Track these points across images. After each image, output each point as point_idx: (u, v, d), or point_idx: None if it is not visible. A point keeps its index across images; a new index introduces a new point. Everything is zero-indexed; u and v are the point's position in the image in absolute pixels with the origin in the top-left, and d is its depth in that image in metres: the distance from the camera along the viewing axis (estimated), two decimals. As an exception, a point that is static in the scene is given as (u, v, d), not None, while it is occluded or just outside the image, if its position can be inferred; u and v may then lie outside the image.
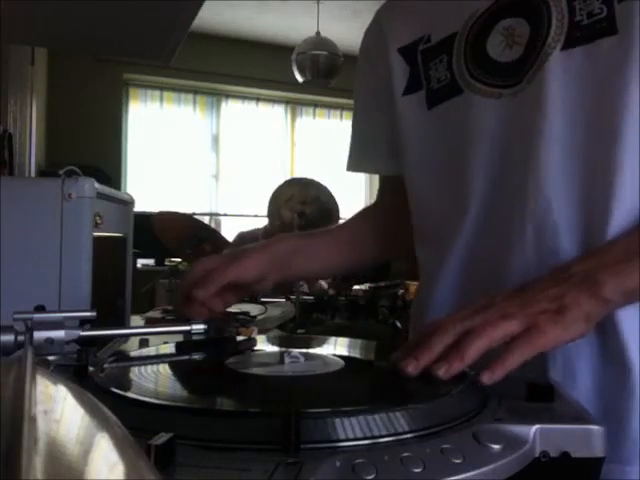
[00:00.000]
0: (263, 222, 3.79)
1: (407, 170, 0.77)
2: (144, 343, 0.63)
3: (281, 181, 2.47)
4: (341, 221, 2.46)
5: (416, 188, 0.76)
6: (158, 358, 0.57)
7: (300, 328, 1.61)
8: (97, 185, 0.94)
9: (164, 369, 0.53)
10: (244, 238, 3.39)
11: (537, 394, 0.44)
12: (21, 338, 0.50)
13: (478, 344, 0.47)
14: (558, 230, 0.60)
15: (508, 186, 0.64)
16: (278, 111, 5.77)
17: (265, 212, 3.19)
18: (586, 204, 0.59)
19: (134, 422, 0.29)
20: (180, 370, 0.54)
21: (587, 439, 0.39)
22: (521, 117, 0.63)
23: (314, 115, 5.90)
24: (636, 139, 0.57)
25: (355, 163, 0.88)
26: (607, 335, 0.58)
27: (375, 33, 0.83)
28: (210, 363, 0.58)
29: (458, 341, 0.48)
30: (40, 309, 0.53)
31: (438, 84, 0.70)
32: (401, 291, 2.48)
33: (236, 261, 0.72)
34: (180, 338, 0.64)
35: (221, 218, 5.46)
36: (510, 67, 0.64)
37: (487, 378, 0.46)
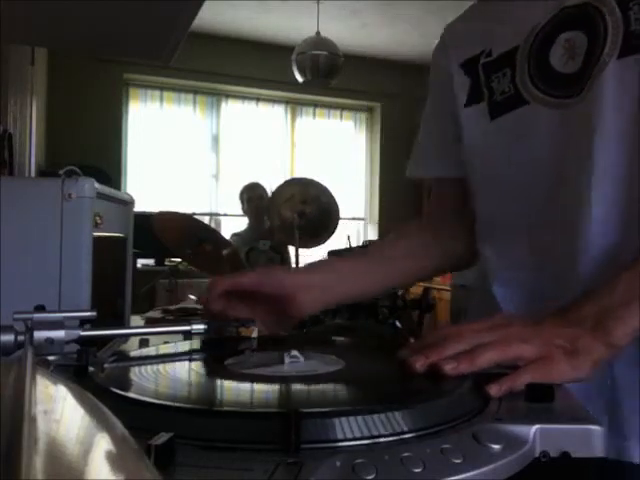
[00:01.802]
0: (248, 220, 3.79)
1: (472, 178, 0.81)
2: (144, 343, 0.63)
3: (281, 181, 2.46)
4: (341, 221, 2.47)
5: (480, 198, 0.80)
6: (158, 358, 0.57)
7: (300, 328, 1.61)
8: (97, 185, 0.94)
9: (164, 369, 0.53)
10: (240, 238, 3.39)
11: (537, 394, 0.44)
12: (21, 338, 0.50)
13: (491, 356, 0.49)
14: (620, 229, 0.63)
15: (569, 187, 0.67)
16: (278, 111, 5.77)
17: (264, 212, 3.18)
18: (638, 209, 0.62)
19: (134, 422, 0.29)
20: (180, 370, 0.54)
21: (587, 439, 0.39)
22: (582, 124, 0.66)
23: (314, 115, 5.90)
24: None
25: (417, 167, 0.93)
26: None
27: (441, 49, 0.87)
28: (210, 363, 0.58)
29: (472, 350, 0.49)
30: (40, 309, 0.53)
31: (501, 96, 0.74)
32: (401, 291, 2.48)
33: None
34: (180, 338, 0.64)
35: (221, 218, 5.46)
36: (572, 78, 0.67)
37: (494, 391, 0.47)
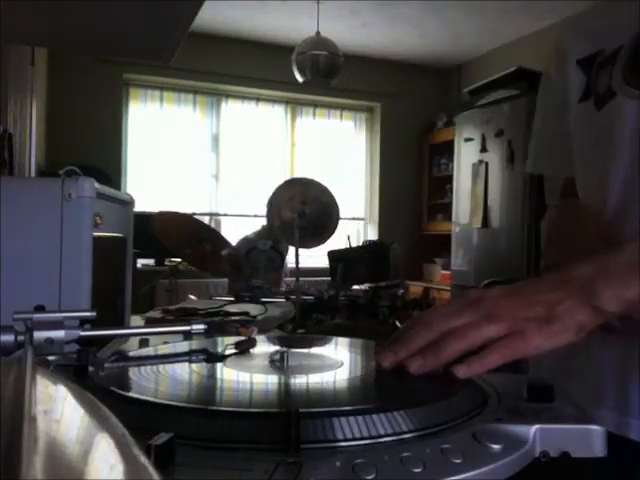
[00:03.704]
0: (263, 222, 3.78)
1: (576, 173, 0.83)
2: (144, 343, 0.63)
3: (281, 181, 2.46)
4: (341, 221, 2.47)
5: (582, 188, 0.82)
6: (158, 358, 0.57)
7: (300, 328, 1.61)
8: (97, 185, 0.94)
9: (164, 369, 0.53)
10: (249, 240, 3.38)
11: (537, 394, 0.44)
12: (21, 338, 0.50)
13: (456, 346, 0.47)
14: None
15: None
16: (278, 111, 5.76)
17: (265, 212, 3.18)
18: None
19: (134, 422, 0.29)
20: (180, 370, 0.54)
21: (587, 439, 0.39)
22: None
23: (314, 115, 5.89)
24: None
25: (535, 164, 0.95)
26: None
27: (554, 54, 0.90)
28: (210, 363, 0.58)
29: (439, 339, 0.48)
30: (40, 309, 0.53)
31: (602, 90, 0.78)
32: (401, 291, 2.48)
33: None
34: (180, 338, 0.64)
35: (221, 218, 5.45)
36: None
37: (462, 372, 0.46)
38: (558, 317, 0.49)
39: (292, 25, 4.90)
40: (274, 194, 2.37)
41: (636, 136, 0.72)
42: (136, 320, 1.50)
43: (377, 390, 0.50)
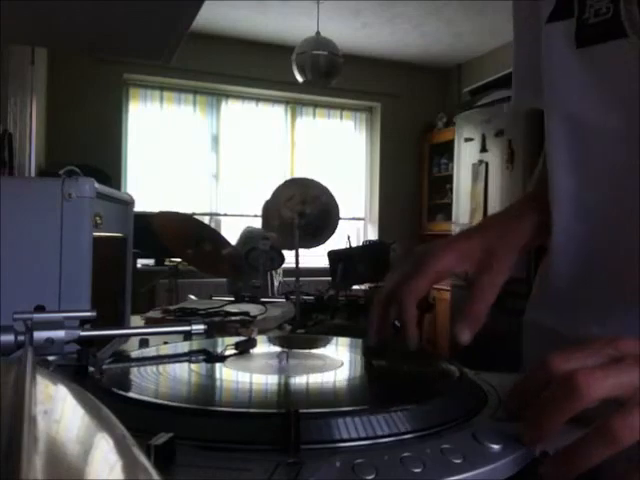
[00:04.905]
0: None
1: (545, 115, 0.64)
2: (144, 343, 0.63)
3: (281, 181, 2.46)
4: (341, 221, 2.47)
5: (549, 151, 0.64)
6: (158, 358, 0.57)
7: (300, 328, 1.61)
8: (97, 185, 0.94)
9: (164, 369, 0.53)
10: (252, 232, 3.38)
11: (537, 394, 0.44)
12: (21, 338, 0.50)
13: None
14: None
15: None
16: (278, 111, 5.76)
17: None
18: None
19: (134, 422, 0.29)
20: (180, 370, 0.54)
21: (587, 439, 0.39)
22: None
23: (314, 115, 5.90)
24: None
25: (518, 98, 0.78)
26: None
27: None
28: (210, 363, 0.58)
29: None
30: (40, 309, 0.53)
31: (595, 18, 0.57)
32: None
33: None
34: (180, 338, 0.64)
35: (221, 218, 5.45)
36: None
37: None
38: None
39: (292, 25, 4.90)
40: (274, 194, 2.37)
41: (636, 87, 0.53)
42: (136, 320, 1.50)
43: (377, 390, 0.50)
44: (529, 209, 0.68)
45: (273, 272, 2.91)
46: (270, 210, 2.36)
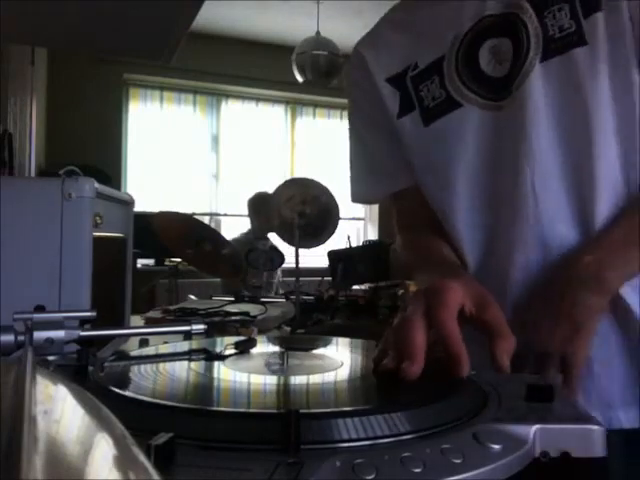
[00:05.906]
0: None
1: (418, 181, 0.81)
2: (144, 343, 0.63)
3: (281, 181, 2.46)
4: (341, 221, 2.47)
5: (430, 198, 0.80)
6: (158, 358, 0.57)
7: (300, 328, 1.61)
8: (97, 185, 0.94)
9: (164, 369, 0.53)
10: (239, 242, 3.39)
11: (537, 394, 0.44)
12: (21, 338, 0.50)
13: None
14: (555, 218, 0.68)
15: (505, 181, 0.71)
16: (278, 111, 5.76)
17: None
18: (575, 189, 0.67)
19: (134, 422, 0.29)
20: (180, 370, 0.54)
21: (587, 439, 0.39)
22: (513, 123, 0.70)
23: (314, 115, 5.89)
24: (610, 131, 0.65)
25: (360, 191, 0.90)
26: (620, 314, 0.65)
27: (360, 66, 0.85)
28: (210, 363, 0.58)
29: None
30: (40, 309, 0.53)
31: (433, 102, 0.76)
32: (401, 291, 2.48)
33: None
34: (180, 338, 0.64)
35: (221, 218, 5.45)
36: (502, 81, 0.71)
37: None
38: (580, 325, 0.58)
39: (292, 25, 4.90)
40: (273, 194, 2.36)
41: (494, 145, 0.71)
42: (136, 320, 1.50)
43: (377, 390, 0.50)
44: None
45: (273, 272, 2.91)
46: (262, 206, 2.36)
